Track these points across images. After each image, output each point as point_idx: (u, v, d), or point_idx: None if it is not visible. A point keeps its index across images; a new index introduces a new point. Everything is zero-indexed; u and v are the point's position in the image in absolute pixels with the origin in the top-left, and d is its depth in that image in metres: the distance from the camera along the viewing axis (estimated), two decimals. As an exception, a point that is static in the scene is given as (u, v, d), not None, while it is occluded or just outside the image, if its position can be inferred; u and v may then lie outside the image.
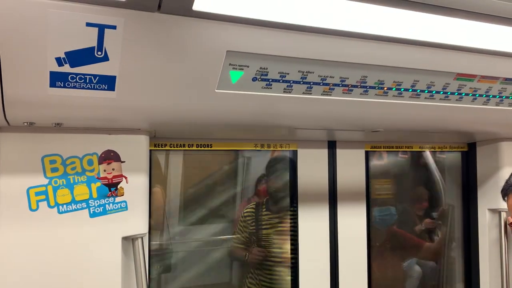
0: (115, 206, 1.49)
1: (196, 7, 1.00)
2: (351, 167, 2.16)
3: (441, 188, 2.68)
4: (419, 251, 2.69)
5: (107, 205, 1.48)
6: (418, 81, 1.47)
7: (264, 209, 2.28)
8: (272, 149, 2.05)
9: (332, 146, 2.12)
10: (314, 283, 2.08)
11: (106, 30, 1.03)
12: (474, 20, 1.22)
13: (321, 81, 1.35)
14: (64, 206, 1.43)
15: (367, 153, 2.21)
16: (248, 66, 1.24)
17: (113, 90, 1.18)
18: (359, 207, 2.18)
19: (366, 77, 1.38)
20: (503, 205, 2.24)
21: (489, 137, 2.27)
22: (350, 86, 1.40)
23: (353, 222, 2.16)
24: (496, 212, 2.30)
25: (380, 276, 2.42)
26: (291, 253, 2.15)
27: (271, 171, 2.26)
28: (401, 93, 1.50)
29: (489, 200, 2.33)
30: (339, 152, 2.13)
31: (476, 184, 2.40)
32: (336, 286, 2.11)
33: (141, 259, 1.52)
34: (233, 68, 1.23)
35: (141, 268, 1.52)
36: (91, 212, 1.46)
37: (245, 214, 2.31)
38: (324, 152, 2.11)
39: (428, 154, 2.67)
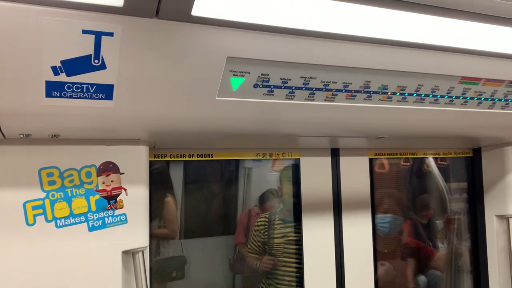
0: (115, 219, 1.45)
1: (195, 12, 0.98)
2: (355, 175, 2.12)
3: (445, 196, 2.64)
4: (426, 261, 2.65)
5: (106, 218, 1.44)
6: (422, 85, 1.44)
7: (277, 219, 2.27)
8: (274, 158, 2.01)
9: (335, 154, 2.09)
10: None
11: (103, 38, 1.00)
12: (478, 22, 1.20)
13: (323, 87, 1.32)
14: (62, 220, 1.39)
15: (371, 160, 2.18)
16: (249, 73, 1.21)
17: (111, 99, 1.15)
18: (364, 215, 2.14)
19: (370, 81, 1.36)
20: (511, 211, 2.22)
21: (494, 142, 2.24)
22: (353, 91, 1.37)
23: (359, 230, 2.12)
24: (504, 218, 2.26)
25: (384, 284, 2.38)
26: (297, 262, 2.11)
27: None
28: (405, 98, 1.47)
29: (496, 206, 2.28)
30: (343, 159, 2.09)
31: (483, 190, 2.36)
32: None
33: (141, 273, 1.48)
34: (234, 75, 1.20)
35: (142, 282, 1.48)
36: (90, 226, 1.42)
37: (258, 224, 2.30)
38: (327, 160, 2.08)
39: (431, 161, 2.63)
